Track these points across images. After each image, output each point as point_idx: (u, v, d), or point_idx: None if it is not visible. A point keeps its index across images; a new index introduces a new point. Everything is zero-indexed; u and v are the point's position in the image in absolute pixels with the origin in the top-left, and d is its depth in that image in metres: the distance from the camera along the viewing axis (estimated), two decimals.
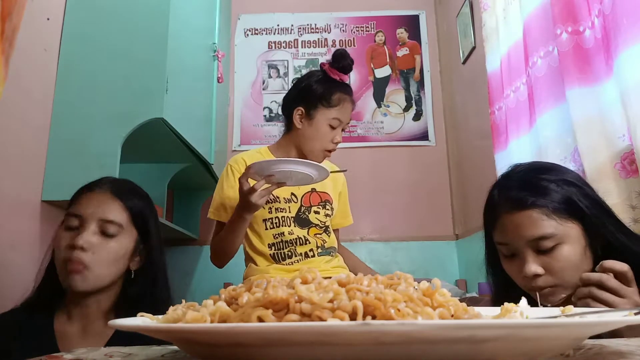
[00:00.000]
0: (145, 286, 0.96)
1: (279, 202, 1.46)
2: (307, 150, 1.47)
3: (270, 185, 1.24)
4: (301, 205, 1.49)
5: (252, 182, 1.24)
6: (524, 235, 0.83)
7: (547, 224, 0.82)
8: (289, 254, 1.45)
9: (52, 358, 0.47)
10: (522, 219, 0.83)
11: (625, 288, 0.72)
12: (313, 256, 1.47)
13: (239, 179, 1.25)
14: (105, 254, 0.91)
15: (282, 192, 1.46)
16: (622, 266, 0.74)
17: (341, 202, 1.60)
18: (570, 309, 0.50)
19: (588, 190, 0.87)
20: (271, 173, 1.20)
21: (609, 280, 0.73)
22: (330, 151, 1.47)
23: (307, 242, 1.47)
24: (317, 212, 1.50)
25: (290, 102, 1.51)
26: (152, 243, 0.98)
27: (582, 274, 0.76)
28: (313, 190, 1.52)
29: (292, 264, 1.44)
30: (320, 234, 1.50)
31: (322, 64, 1.50)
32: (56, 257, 0.92)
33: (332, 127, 1.44)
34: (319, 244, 1.49)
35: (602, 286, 0.73)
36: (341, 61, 1.46)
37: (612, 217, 0.86)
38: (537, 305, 0.79)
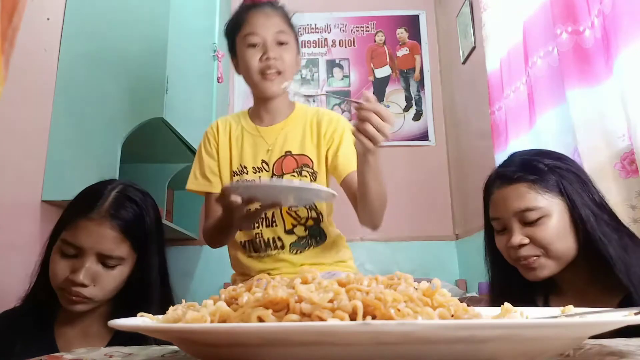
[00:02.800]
0: (144, 289, 0.94)
1: (247, 174, 1.24)
2: (251, 86, 1.25)
3: (260, 207, 1.03)
4: (273, 174, 1.23)
5: (252, 206, 1.02)
6: (511, 207, 0.89)
7: (532, 197, 0.87)
8: (258, 242, 1.21)
9: (52, 358, 0.47)
10: (510, 192, 0.90)
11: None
12: (282, 247, 1.20)
13: (217, 200, 1.06)
14: (106, 284, 0.89)
15: (251, 161, 1.25)
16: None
17: (335, 155, 1.23)
18: (570, 309, 0.50)
19: (584, 178, 0.90)
20: (251, 196, 0.98)
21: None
22: (265, 73, 1.19)
23: (274, 223, 1.20)
24: None
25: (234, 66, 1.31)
26: (150, 257, 0.95)
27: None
28: (288, 153, 1.25)
29: (262, 258, 1.21)
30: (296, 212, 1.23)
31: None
32: (53, 280, 0.89)
33: (252, 46, 1.21)
34: (288, 227, 1.20)
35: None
36: None
37: (603, 209, 0.88)
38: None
